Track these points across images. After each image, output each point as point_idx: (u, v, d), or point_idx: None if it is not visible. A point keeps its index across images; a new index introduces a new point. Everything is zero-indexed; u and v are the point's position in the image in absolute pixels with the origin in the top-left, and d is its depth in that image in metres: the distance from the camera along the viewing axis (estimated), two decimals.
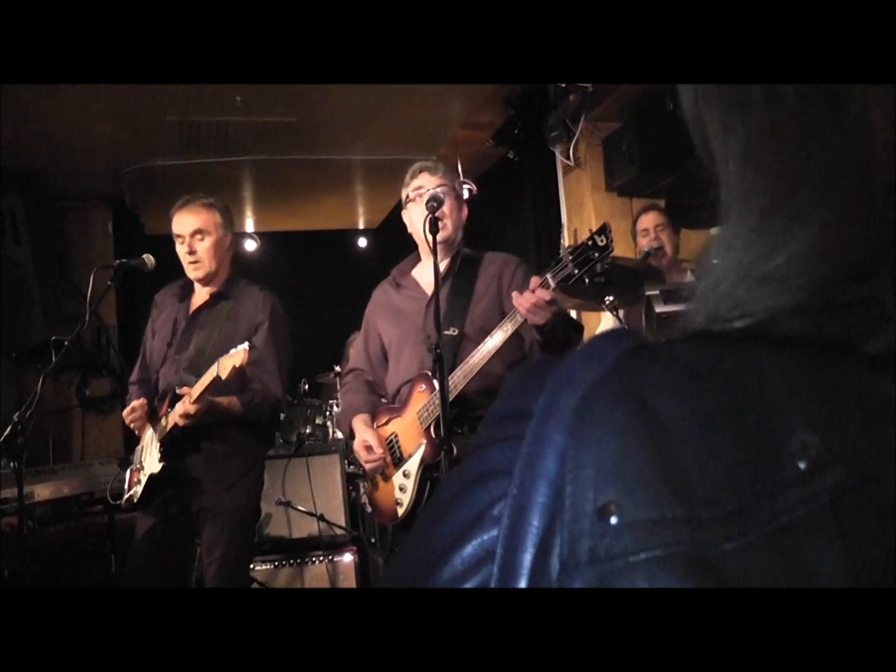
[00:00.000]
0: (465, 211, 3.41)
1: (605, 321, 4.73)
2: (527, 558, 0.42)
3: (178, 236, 3.75)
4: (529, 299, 2.78)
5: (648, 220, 4.79)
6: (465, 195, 3.43)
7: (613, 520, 0.40)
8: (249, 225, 9.14)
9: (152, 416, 3.73)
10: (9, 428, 3.49)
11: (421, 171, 3.34)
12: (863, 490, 0.39)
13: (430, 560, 0.47)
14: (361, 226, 9.49)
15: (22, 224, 6.35)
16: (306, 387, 6.74)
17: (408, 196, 3.36)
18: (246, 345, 3.25)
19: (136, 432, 3.79)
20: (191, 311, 3.84)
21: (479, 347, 2.97)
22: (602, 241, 2.74)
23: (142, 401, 3.71)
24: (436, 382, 2.99)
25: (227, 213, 3.84)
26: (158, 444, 3.59)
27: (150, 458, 3.65)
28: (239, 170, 7.23)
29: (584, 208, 6.34)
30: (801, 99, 0.45)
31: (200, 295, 3.86)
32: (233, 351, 3.26)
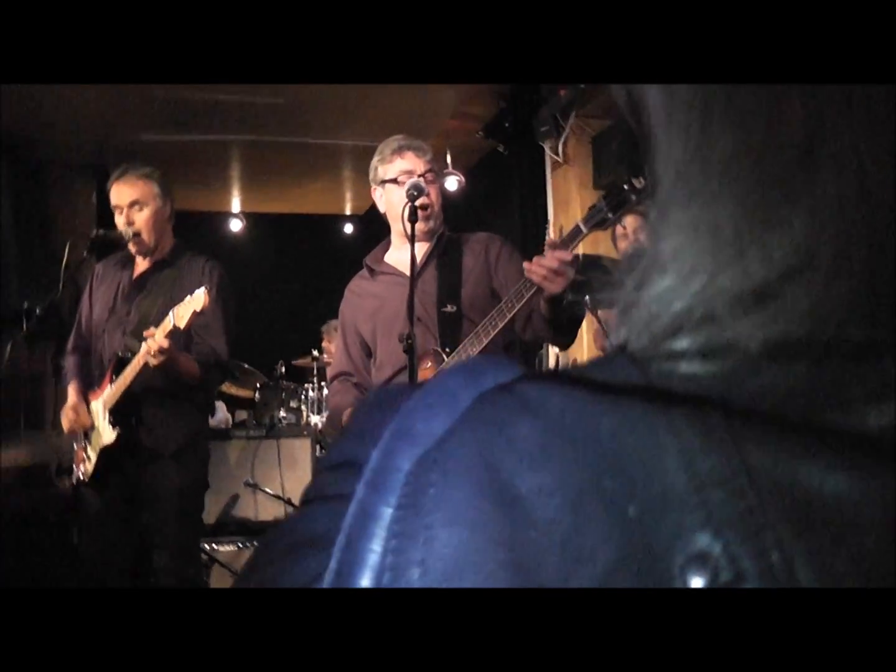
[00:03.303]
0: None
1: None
2: None
3: (116, 207, 3.70)
4: (547, 263, 2.54)
5: (628, 223, 4.76)
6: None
7: None
8: (236, 205, 9.09)
9: (96, 389, 3.68)
10: None
11: (407, 150, 3.12)
12: None
13: None
14: (348, 211, 9.44)
15: (3, 190, 6.30)
16: (283, 369, 6.72)
17: (392, 178, 3.11)
18: (204, 288, 3.17)
19: (67, 431, 3.72)
20: (133, 277, 3.78)
21: (481, 328, 2.79)
22: (639, 182, 2.45)
23: (77, 401, 3.67)
24: (445, 355, 2.88)
25: (164, 184, 3.77)
26: (108, 414, 3.53)
27: (99, 431, 3.59)
28: (226, 149, 7.19)
29: (570, 205, 6.32)
30: None
31: (143, 263, 3.80)
32: (188, 297, 3.19)
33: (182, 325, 3.17)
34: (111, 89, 5.77)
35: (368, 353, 3.25)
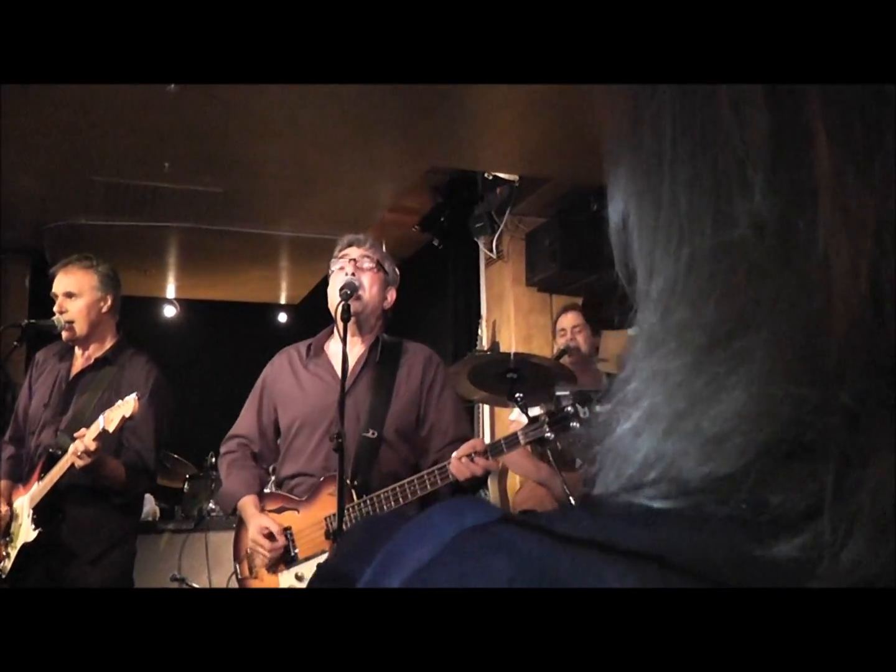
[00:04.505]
0: (392, 292, 3.25)
1: (515, 414, 4.74)
2: None
3: (54, 296, 3.72)
4: (473, 470, 2.73)
5: (566, 321, 4.87)
6: (395, 277, 3.31)
7: None
8: (171, 291, 9.06)
9: (24, 483, 3.61)
10: None
11: (349, 245, 3.20)
12: None
13: None
14: (283, 301, 9.46)
15: None
16: (213, 459, 6.62)
17: (330, 268, 3.22)
18: (135, 395, 3.17)
19: None
20: (72, 373, 3.75)
21: (399, 489, 2.85)
22: (585, 413, 2.69)
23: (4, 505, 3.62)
24: (353, 492, 2.90)
25: (107, 276, 3.78)
26: (31, 512, 3.47)
27: (21, 528, 3.51)
28: (163, 236, 7.18)
29: (503, 300, 6.41)
30: (754, 231, 0.40)
31: (83, 357, 3.78)
32: (119, 402, 3.18)
33: (111, 428, 3.16)
34: (48, 172, 5.77)
35: (277, 430, 3.28)
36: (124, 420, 3.16)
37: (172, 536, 5.18)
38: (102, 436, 3.20)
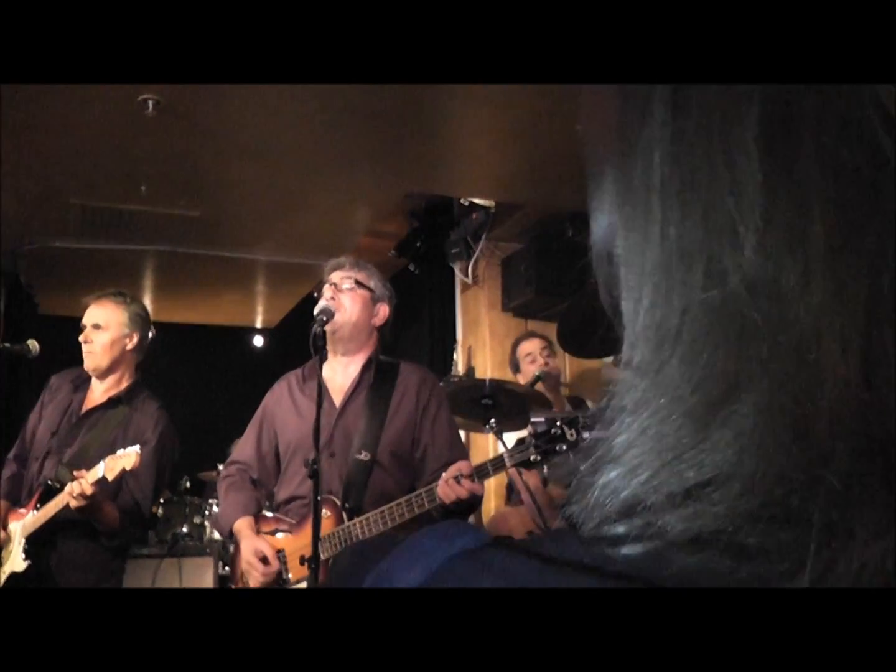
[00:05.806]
0: (383, 308, 3.27)
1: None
2: None
3: (82, 326, 3.74)
4: (458, 492, 2.73)
5: (532, 346, 4.82)
6: (384, 293, 3.31)
7: None
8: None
9: (21, 508, 3.60)
10: None
11: (331, 271, 3.24)
12: None
13: None
14: (259, 325, 9.46)
15: None
16: (188, 484, 6.59)
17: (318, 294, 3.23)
18: (138, 447, 3.19)
19: None
20: (85, 407, 3.76)
21: (388, 512, 2.83)
22: (572, 435, 2.67)
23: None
24: (345, 514, 2.90)
25: (138, 314, 3.84)
26: (23, 541, 3.46)
27: (12, 555, 3.50)
28: (139, 259, 7.16)
29: (479, 326, 6.42)
30: (745, 288, 0.39)
31: (97, 392, 3.79)
32: (121, 452, 3.19)
33: (111, 477, 3.19)
34: (24, 195, 5.75)
35: (277, 456, 3.27)
36: (124, 471, 3.18)
37: (146, 561, 5.14)
38: (101, 482, 3.21)
